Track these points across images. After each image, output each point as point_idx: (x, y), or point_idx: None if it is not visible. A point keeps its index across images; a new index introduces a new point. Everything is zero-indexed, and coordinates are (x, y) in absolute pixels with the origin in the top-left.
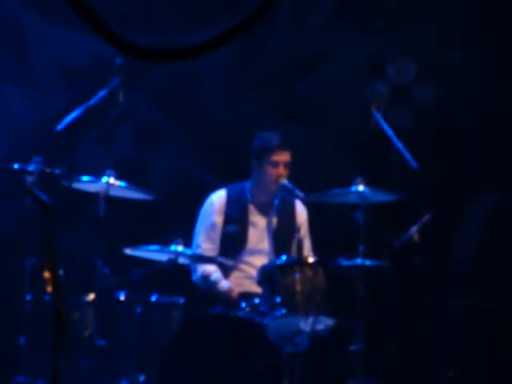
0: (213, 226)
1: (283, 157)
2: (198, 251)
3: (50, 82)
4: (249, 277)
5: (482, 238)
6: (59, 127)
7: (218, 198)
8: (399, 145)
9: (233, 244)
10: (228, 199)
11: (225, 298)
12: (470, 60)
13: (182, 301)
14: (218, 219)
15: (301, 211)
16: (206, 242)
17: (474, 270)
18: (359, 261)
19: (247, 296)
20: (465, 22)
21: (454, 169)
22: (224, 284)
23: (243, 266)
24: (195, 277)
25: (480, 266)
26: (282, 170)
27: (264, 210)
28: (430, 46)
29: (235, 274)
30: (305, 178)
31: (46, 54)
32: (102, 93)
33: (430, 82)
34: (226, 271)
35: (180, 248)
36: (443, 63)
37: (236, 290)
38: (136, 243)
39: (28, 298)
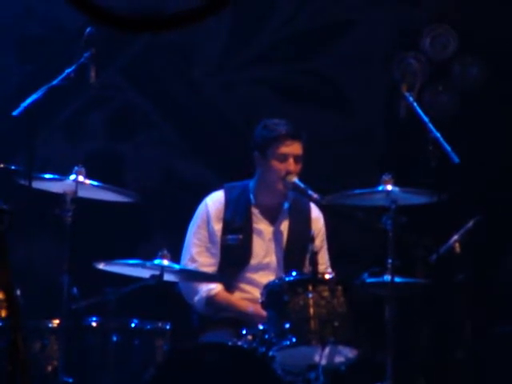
0: (209, 235)
1: (293, 148)
2: (193, 266)
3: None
4: (251, 299)
5: None
6: (15, 113)
7: (214, 200)
8: (437, 134)
9: (234, 258)
10: (227, 202)
11: (248, 319)
12: None
13: (168, 327)
14: (216, 227)
15: (316, 217)
16: (202, 255)
17: None
18: (388, 277)
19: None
20: None
21: (504, 164)
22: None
23: (244, 285)
24: (195, 299)
25: None
26: (291, 165)
27: (271, 216)
28: (473, 14)
29: (235, 295)
30: (320, 175)
31: None
32: (68, 70)
33: (475, 58)
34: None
35: (165, 262)
36: (490, 36)
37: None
38: (111, 256)
39: None
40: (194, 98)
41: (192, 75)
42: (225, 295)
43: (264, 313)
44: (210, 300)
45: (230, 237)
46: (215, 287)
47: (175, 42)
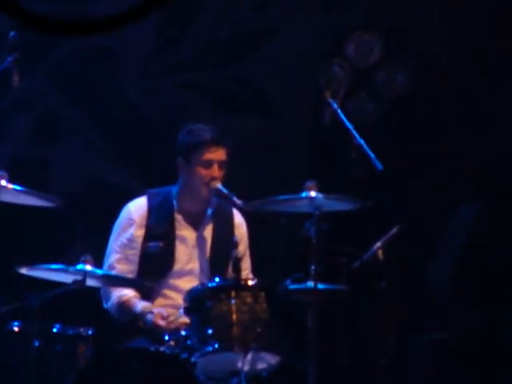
0: (130, 242)
1: (217, 154)
2: (112, 273)
3: None
4: (174, 305)
5: (461, 258)
6: None
7: (136, 207)
8: (361, 142)
9: (156, 265)
10: (150, 208)
11: (151, 329)
12: (446, 39)
13: (90, 332)
14: (137, 234)
15: (239, 223)
16: (120, 262)
17: (451, 297)
18: (310, 284)
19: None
20: None
21: (427, 172)
22: (149, 316)
23: (168, 291)
24: (109, 304)
25: (458, 294)
26: (215, 171)
27: (194, 222)
28: (397, 21)
29: (157, 302)
30: (244, 181)
31: None
32: None
33: (398, 65)
34: (147, 298)
35: (88, 267)
36: (414, 42)
37: (165, 318)
38: (33, 261)
39: None
40: (118, 103)
41: (116, 80)
42: (131, 303)
43: (161, 323)
44: (121, 306)
45: (151, 244)
46: (126, 293)
47: (100, 47)
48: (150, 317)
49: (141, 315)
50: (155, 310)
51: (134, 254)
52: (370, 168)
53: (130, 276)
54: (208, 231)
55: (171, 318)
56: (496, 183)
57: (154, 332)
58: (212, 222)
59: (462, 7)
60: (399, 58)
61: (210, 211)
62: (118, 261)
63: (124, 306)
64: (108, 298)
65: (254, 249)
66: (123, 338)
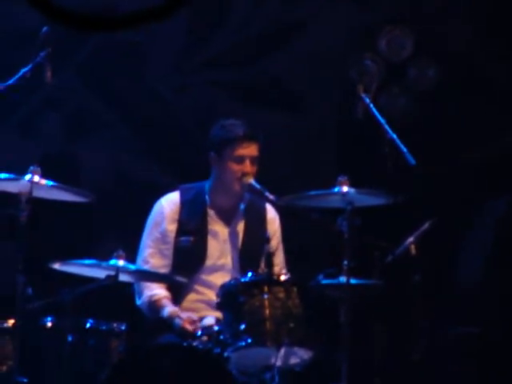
0: (163, 236)
1: (249, 150)
2: (145, 268)
3: None
4: (206, 300)
5: (492, 253)
6: None
7: (169, 202)
8: (393, 136)
9: (188, 259)
10: (182, 203)
11: (180, 333)
12: (477, 33)
13: (123, 328)
14: (170, 228)
15: (272, 218)
16: (154, 256)
17: (482, 291)
18: (343, 279)
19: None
20: None
21: (460, 166)
22: (176, 320)
23: (200, 287)
24: (140, 301)
25: (489, 287)
26: (248, 167)
27: (226, 217)
28: (430, 15)
29: (189, 297)
30: (276, 176)
31: None
32: (23, 70)
33: (430, 60)
34: (179, 294)
35: (121, 262)
36: (445, 37)
37: (193, 323)
38: (66, 256)
39: None
40: (148, 99)
41: (146, 76)
42: (161, 303)
43: (189, 328)
44: (151, 305)
45: (183, 238)
46: (157, 293)
47: (129, 43)
48: (177, 321)
49: (168, 320)
50: (183, 315)
51: (168, 248)
52: (402, 162)
53: (164, 270)
54: (240, 226)
55: (198, 324)
56: None
57: (183, 335)
58: (244, 217)
59: (488, 2)
60: (430, 53)
61: (242, 206)
62: (152, 255)
63: (154, 305)
64: (140, 295)
65: (286, 244)
66: (156, 334)
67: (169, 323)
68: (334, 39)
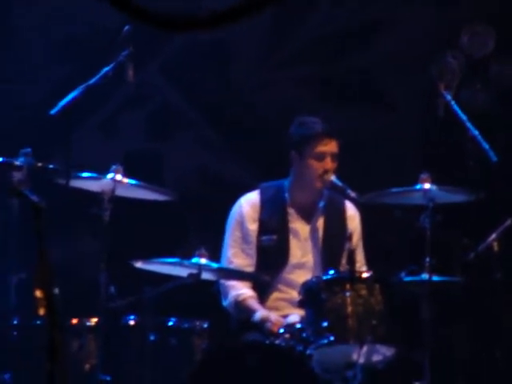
0: (245, 236)
1: (330, 147)
2: (227, 267)
3: (38, 55)
4: (289, 299)
5: None
6: (53, 111)
7: (248, 201)
8: (475, 133)
9: (272, 259)
10: (262, 202)
11: (267, 335)
12: None
13: (205, 326)
14: (251, 228)
15: (353, 215)
16: (237, 256)
17: None
18: (425, 276)
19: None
20: None
21: None
22: (267, 324)
23: (282, 286)
24: (226, 302)
25: None
26: (328, 164)
27: (306, 215)
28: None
29: (273, 296)
30: (357, 173)
31: (32, 20)
32: (106, 69)
33: (510, 58)
34: (264, 293)
35: (203, 261)
36: None
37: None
38: (149, 255)
39: (14, 322)
40: (231, 96)
41: (230, 74)
42: (248, 303)
43: (276, 329)
44: (238, 305)
45: (265, 237)
46: (244, 293)
47: (212, 40)
48: (267, 325)
49: (259, 324)
50: (272, 318)
51: (250, 248)
52: (484, 159)
53: (248, 270)
54: (320, 224)
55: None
56: None
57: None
58: (324, 214)
59: None
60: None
61: (321, 204)
62: (235, 255)
63: (241, 305)
64: (226, 296)
65: (368, 241)
66: (239, 332)
67: (259, 327)
68: (417, 37)
